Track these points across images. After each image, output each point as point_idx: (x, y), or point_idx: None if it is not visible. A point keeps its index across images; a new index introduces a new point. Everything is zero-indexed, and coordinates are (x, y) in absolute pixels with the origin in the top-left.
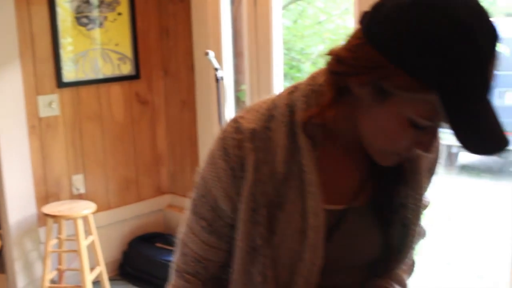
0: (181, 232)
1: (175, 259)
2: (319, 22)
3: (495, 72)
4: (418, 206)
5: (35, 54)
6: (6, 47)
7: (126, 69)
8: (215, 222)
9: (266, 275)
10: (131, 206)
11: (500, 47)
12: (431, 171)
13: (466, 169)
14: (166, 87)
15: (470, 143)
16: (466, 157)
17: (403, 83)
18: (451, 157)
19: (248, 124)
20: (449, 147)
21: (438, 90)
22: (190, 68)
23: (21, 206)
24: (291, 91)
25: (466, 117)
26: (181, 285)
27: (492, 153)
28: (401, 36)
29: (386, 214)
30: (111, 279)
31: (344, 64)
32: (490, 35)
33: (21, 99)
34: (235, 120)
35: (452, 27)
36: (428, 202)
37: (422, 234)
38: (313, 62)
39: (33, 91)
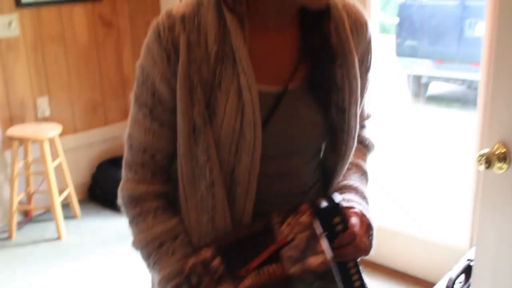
0: (127, 127)
1: (124, 156)
2: None
3: None
4: (353, 90)
5: None
6: None
7: None
8: (155, 108)
9: (210, 154)
10: (98, 129)
11: None
12: (364, 62)
13: (435, 99)
14: (130, 8)
15: None
16: (435, 87)
17: None
18: (420, 87)
19: (178, 10)
20: (418, 77)
21: None
22: None
23: None
24: None
25: None
26: (130, 177)
27: None
28: None
29: (322, 95)
30: (80, 201)
31: None
32: None
33: None
34: (166, 10)
35: None
36: (370, 115)
37: (368, 142)
38: None
39: None
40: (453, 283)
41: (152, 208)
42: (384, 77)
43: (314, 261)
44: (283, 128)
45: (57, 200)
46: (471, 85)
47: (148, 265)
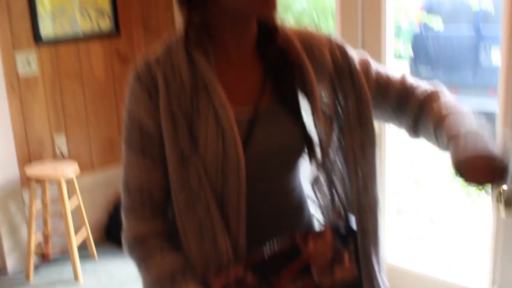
0: (122, 175)
1: (122, 203)
2: None
3: None
4: (314, 99)
5: (10, 8)
6: None
7: (105, 24)
8: (145, 145)
9: (201, 179)
10: (115, 167)
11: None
12: (352, 76)
13: None
14: (146, 44)
15: None
16: None
17: None
18: None
19: (152, 54)
20: None
21: None
22: (171, 23)
23: (3, 168)
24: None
25: None
26: (132, 219)
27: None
28: None
29: (292, 106)
30: (97, 241)
31: None
32: None
33: None
34: (142, 57)
35: None
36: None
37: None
38: (296, 18)
39: (9, 46)
40: None
41: (158, 247)
42: None
43: (342, 273)
44: (263, 145)
45: (75, 243)
46: (487, 115)
47: None
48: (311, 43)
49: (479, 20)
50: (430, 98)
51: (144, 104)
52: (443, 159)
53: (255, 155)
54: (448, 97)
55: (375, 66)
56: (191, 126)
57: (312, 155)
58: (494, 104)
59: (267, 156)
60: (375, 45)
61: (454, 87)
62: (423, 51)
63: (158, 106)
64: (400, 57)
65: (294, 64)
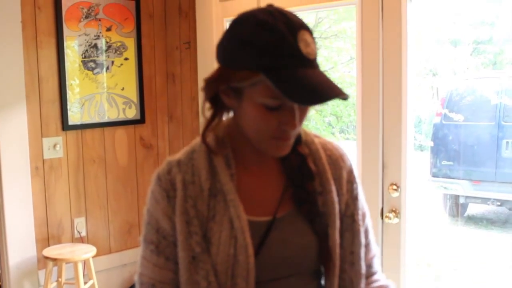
0: (138, 267)
1: None
2: (325, 71)
3: (309, 44)
4: (332, 215)
5: (42, 96)
6: (14, 89)
7: (131, 113)
8: (160, 243)
9: (210, 280)
10: (132, 250)
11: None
12: (349, 190)
13: (474, 220)
14: (170, 132)
15: (297, 96)
16: (474, 208)
17: (240, 76)
18: (458, 208)
19: (175, 157)
20: (456, 197)
21: (261, 71)
22: (195, 113)
23: (21, 248)
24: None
25: (288, 82)
26: None
27: (317, 102)
28: (222, 43)
29: (310, 218)
30: None
31: (207, 83)
32: (286, 21)
33: (25, 140)
34: (166, 160)
35: (252, 24)
36: (375, 254)
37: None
38: (318, 110)
39: (38, 133)
40: None
41: None
42: (420, 198)
43: None
44: (276, 252)
45: None
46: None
47: None
48: (331, 154)
49: (499, 115)
50: None
51: (162, 205)
52: None
53: (267, 262)
54: None
55: (368, 222)
56: (206, 228)
57: (326, 263)
58: None
59: (279, 262)
60: (395, 137)
61: (476, 181)
62: (443, 142)
63: (175, 207)
64: (420, 149)
65: (318, 180)
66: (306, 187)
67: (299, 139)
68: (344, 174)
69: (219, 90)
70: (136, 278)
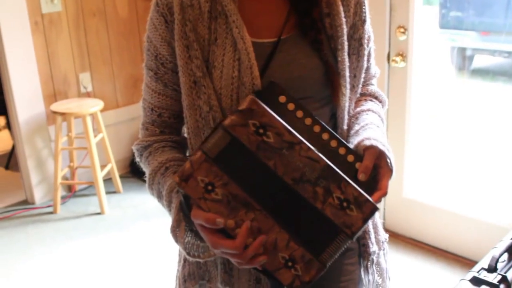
0: (142, 93)
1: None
2: None
3: None
4: (339, 37)
5: None
6: None
7: None
8: (159, 70)
9: (212, 104)
10: (139, 104)
11: None
12: (358, 13)
13: (480, 72)
14: None
15: None
16: (481, 61)
17: None
18: (465, 61)
19: None
20: (463, 50)
21: None
22: None
23: (29, 105)
24: None
25: None
26: (142, 133)
27: None
28: None
29: (314, 39)
30: (122, 176)
31: None
32: None
33: None
34: None
35: None
36: (376, 74)
37: (382, 98)
38: None
39: None
40: (496, 262)
41: (160, 147)
42: (427, 50)
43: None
44: (282, 73)
45: (100, 175)
46: None
47: (158, 197)
48: None
49: None
50: (371, 95)
51: (160, 30)
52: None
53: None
54: (382, 110)
55: (371, 46)
56: (207, 52)
57: (332, 86)
58: None
59: (285, 83)
60: None
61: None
62: None
63: (173, 33)
64: (429, 2)
65: (325, 1)
66: (311, 13)
67: None
68: (352, 3)
69: None
70: (140, 103)
